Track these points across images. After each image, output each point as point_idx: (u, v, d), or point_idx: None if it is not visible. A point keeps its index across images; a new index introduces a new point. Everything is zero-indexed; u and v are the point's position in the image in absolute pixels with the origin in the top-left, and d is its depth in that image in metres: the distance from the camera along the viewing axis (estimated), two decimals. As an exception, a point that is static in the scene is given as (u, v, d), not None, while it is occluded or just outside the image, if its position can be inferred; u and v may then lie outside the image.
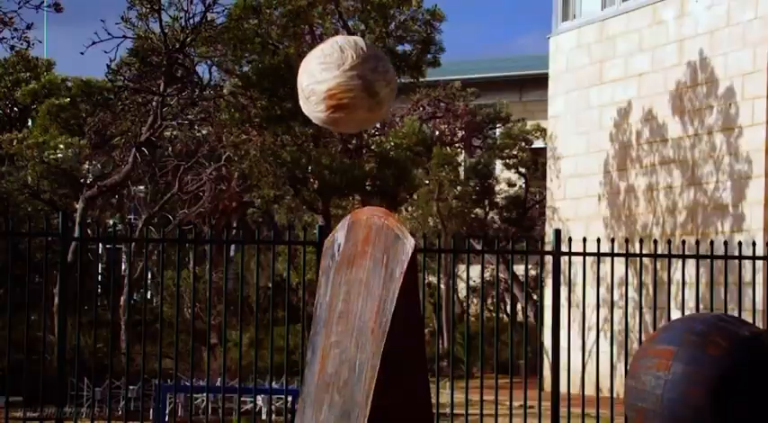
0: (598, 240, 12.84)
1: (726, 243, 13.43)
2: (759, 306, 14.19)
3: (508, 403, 12.75)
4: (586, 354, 13.25)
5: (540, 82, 24.98)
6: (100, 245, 20.25)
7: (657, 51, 19.03)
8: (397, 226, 4.14)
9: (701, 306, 14.32)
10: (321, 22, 20.54)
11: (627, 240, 13.86)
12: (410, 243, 4.03)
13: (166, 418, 14.09)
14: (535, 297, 23.24)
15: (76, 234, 14.45)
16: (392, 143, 21.14)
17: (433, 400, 12.85)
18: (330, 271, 4.48)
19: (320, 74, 3.96)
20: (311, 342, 4.49)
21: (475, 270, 23.31)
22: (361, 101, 3.95)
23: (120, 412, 13.20)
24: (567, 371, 13.22)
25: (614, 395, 12.71)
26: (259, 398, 13.57)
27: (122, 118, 21.71)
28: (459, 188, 25.81)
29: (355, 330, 4.18)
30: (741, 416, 3.88)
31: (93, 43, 19.24)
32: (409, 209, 25.94)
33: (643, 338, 13.17)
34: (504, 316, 24.82)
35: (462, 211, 25.83)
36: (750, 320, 11.50)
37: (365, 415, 3.95)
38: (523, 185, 26.94)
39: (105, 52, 28.36)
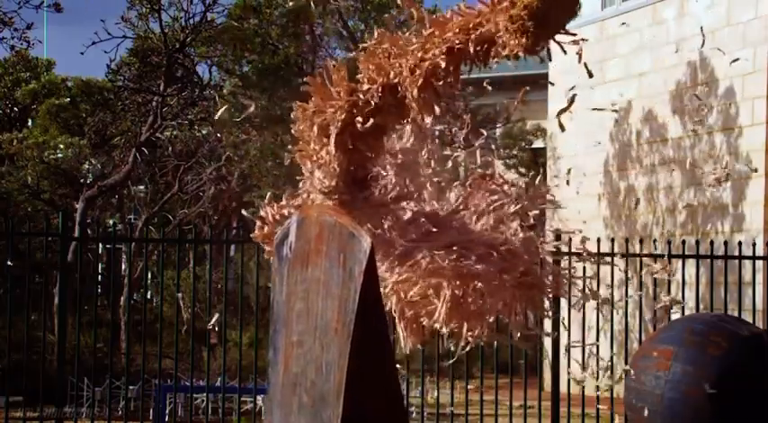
0: (598, 240, 12.84)
1: (726, 243, 13.42)
2: (759, 306, 14.18)
3: (508, 403, 12.74)
4: (586, 354, 13.24)
5: (540, 82, 24.93)
6: (100, 245, 20.24)
7: (657, 51, 19.02)
8: (351, 224, 4.08)
9: (701, 306, 14.31)
10: (321, 21, 20.54)
11: (627, 240, 13.85)
12: (366, 241, 3.98)
13: (166, 419, 14.08)
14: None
15: (76, 234, 14.45)
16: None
17: (433, 400, 12.86)
18: (284, 268, 4.42)
19: None
20: (271, 341, 4.44)
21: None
22: None
23: (120, 412, 13.20)
24: (566, 371, 13.21)
25: (614, 395, 12.70)
26: (259, 398, 13.55)
27: (122, 118, 21.70)
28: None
29: (318, 330, 4.13)
30: (741, 415, 3.87)
31: (93, 43, 19.25)
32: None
33: (643, 338, 13.17)
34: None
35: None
36: (750, 320, 11.51)
37: (338, 415, 3.92)
38: (523, 185, 26.92)
39: (105, 52, 28.55)
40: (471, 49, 4.10)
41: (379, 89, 4.22)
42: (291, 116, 4.65)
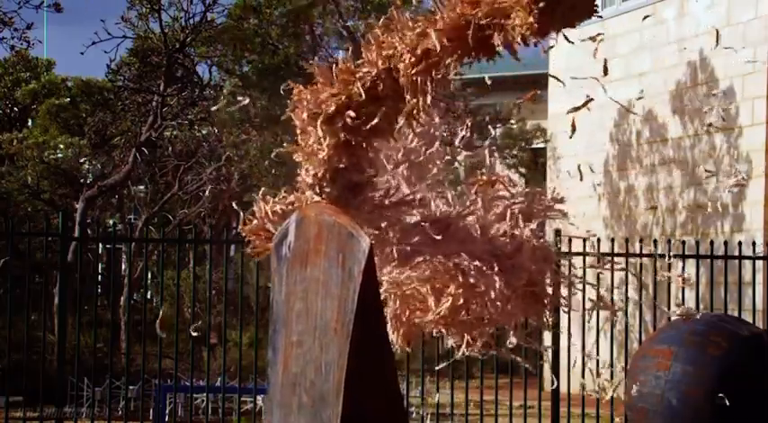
0: (598, 240, 12.82)
1: (726, 243, 13.42)
2: (759, 306, 14.18)
3: (508, 403, 12.74)
4: (586, 354, 13.24)
5: (540, 82, 24.92)
6: (100, 245, 20.24)
7: (658, 51, 19.02)
8: (350, 224, 4.07)
9: (701, 306, 14.31)
10: (321, 21, 20.54)
11: (627, 240, 13.85)
12: (365, 241, 3.97)
13: (166, 419, 14.07)
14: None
15: (76, 234, 14.44)
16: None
17: (434, 400, 12.85)
18: (283, 268, 4.41)
19: None
20: (271, 340, 4.42)
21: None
22: None
23: (120, 412, 13.20)
24: (567, 371, 13.22)
25: (614, 395, 12.71)
26: (259, 398, 13.55)
27: (122, 118, 21.70)
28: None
29: (317, 330, 4.12)
30: (741, 416, 3.87)
31: (93, 43, 19.25)
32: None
33: (643, 338, 13.16)
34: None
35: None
36: (750, 320, 11.51)
37: (337, 415, 3.92)
38: (523, 185, 26.89)
39: (105, 52, 28.48)
40: (477, 22, 4.06)
41: (377, 73, 4.16)
42: (288, 101, 4.59)
